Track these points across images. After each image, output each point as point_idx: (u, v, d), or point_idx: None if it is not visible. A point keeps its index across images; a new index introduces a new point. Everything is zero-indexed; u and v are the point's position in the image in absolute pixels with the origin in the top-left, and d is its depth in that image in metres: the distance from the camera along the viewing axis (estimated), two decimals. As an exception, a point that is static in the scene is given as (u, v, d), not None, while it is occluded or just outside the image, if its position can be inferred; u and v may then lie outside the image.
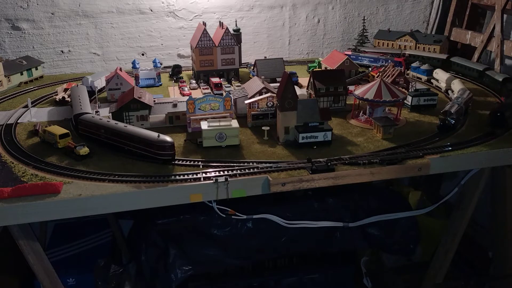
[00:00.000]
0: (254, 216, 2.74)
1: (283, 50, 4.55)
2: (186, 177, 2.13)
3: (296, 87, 2.82)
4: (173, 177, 2.13)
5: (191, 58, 3.96)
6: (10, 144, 2.50)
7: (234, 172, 2.17)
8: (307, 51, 4.63)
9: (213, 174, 2.16)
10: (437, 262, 3.22)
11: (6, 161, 2.30)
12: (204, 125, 2.46)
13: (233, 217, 2.62)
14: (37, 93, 3.41)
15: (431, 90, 3.19)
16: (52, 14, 3.86)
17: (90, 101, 2.92)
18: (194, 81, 3.56)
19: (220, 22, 3.61)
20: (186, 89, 3.43)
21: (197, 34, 3.52)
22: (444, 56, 3.89)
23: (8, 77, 3.50)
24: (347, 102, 3.03)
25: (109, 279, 3.37)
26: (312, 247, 3.30)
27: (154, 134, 2.31)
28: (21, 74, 3.61)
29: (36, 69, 3.74)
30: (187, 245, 3.08)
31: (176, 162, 2.29)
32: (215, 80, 3.45)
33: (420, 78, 3.65)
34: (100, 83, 3.37)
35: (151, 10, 4.05)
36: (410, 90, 3.09)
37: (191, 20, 4.17)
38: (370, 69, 3.79)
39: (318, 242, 3.26)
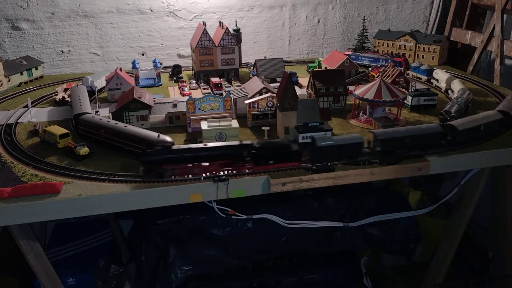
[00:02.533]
0: (254, 216, 2.74)
1: (283, 50, 4.55)
2: (186, 177, 2.13)
3: (296, 87, 2.82)
4: (173, 177, 2.13)
5: (191, 58, 3.96)
6: (10, 144, 2.50)
7: (234, 172, 2.17)
8: (307, 51, 4.63)
9: (213, 174, 2.16)
10: (437, 262, 3.22)
11: (6, 161, 2.30)
12: (204, 125, 2.46)
13: (233, 217, 2.62)
14: (37, 93, 3.41)
15: (431, 90, 3.19)
16: (52, 14, 3.87)
17: (90, 101, 2.91)
18: (194, 81, 3.56)
19: (220, 22, 3.61)
20: (186, 89, 3.43)
21: (197, 34, 3.52)
22: None
23: (8, 77, 3.50)
24: (347, 102, 3.03)
25: (109, 279, 3.37)
26: (312, 247, 3.30)
27: (154, 134, 2.31)
28: (21, 74, 3.61)
29: (36, 69, 3.74)
30: (187, 245, 3.08)
31: (176, 162, 2.28)
32: (215, 80, 3.45)
33: (420, 78, 3.65)
34: (100, 83, 3.37)
35: (151, 10, 4.05)
36: (410, 90, 3.09)
37: (191, 20, 4.17)
38: (370, 69, 3.79)
39: (318, 242, 3.26)
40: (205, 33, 3.44)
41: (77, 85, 3.10)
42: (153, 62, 3.71)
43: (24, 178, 2.12)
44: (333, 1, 4.48)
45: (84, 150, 2.34)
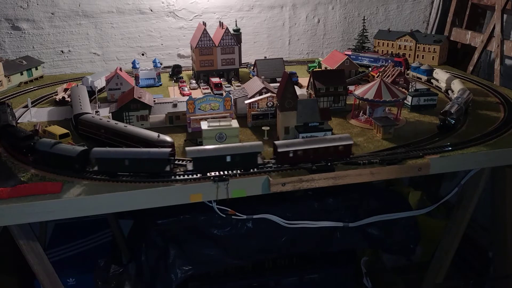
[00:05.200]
0: (254, 216, 2.74)
1: (283, 50, 4.55)
2: (186, 177, 2.13)
3: (296, 87, 2.82)
4: (173, 177, 2.13)
5: (191, 58, 3.96)
6: (10, 144, 2.50)
7: (234, 172, 2.17)
8: (307, 51, 4.63)
9: (213, 174, 2.16)
10: (437, 262, 3.22)
11: (6, 161, 2.30)
12: (204, 125, 2.46)
13: (233, 217, 2.62)
14: (37, 93, 3.41)
15: (431, 90, 3.19)
16: (52, 14, 3.87)
17: (90, 101, 2.92)
18: (194, 81, 3.56)
19: (220, 22, 3.61)
20: (186, 89, 3.43)
21: (197, 34, 3.52)
22: None
23: (8, 77, 3.50)
24: (347, 102, 3.03)
25: (109, 279, 3.37)
26: (312, 247, 3.30)
27: (154, 134, 2.31)
28: (21, 74, 3.61)
29: (36, 69, 3.74)
30: (187, 245, 3.08)
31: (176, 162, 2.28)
32: (215, 80, 3.45)
33: (420, 78, 3.65)
34: (100, 83, 3.37)
35: (151, 10, 4.05)
36: (410, 90, 3.09)
37: (191, 20, 4.17)
38: (370, 69, 3.79)
39: (318, 242, 3.26)
40: (205, 33, 3.44)
41: (77, 85, 3.10)
42: (153, 62, 3.71)
43: (24, 178, 2.12)
44: (333, 1, 4.48)
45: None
